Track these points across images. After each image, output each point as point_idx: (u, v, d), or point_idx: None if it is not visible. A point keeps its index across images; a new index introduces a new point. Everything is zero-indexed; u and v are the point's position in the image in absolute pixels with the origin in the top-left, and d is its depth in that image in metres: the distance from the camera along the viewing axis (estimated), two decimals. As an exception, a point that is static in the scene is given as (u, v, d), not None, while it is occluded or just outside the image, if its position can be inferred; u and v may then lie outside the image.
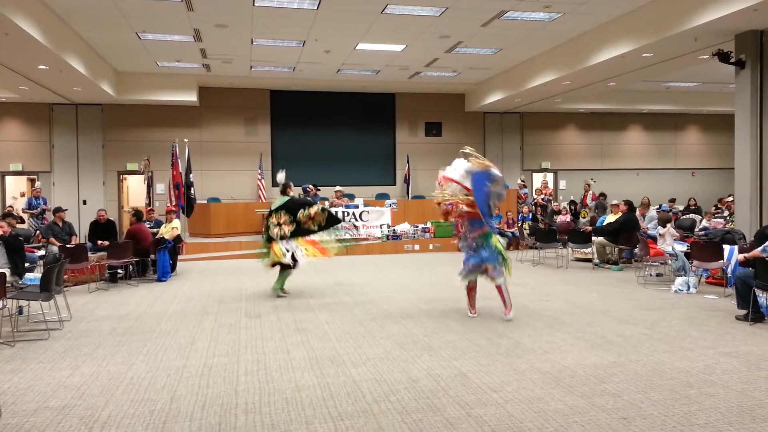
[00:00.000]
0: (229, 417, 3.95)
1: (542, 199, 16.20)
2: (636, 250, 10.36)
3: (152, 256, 10.09)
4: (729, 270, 8.18)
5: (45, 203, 12.94)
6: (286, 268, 8.32)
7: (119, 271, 9.72)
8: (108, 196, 16.87)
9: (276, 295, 8.31)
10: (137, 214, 10.25)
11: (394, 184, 18.65)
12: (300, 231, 8.17)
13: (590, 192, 15.99)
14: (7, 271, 6.97)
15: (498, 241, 6.63)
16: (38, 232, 11.31)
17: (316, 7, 10.42)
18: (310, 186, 14.39)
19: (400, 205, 15.11)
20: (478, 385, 4.50)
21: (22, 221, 12.04)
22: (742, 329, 6.17)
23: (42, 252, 9.67)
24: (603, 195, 14.93)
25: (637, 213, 11.24)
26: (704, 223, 12.69)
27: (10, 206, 13.37)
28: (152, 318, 7.04)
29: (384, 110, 18.72)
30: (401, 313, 7.08)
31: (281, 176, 8.56)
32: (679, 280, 8.38)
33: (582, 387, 4.42)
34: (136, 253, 9.74)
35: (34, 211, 12.49)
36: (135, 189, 18.05)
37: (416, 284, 9.33)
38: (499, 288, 6.62)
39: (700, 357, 5.17)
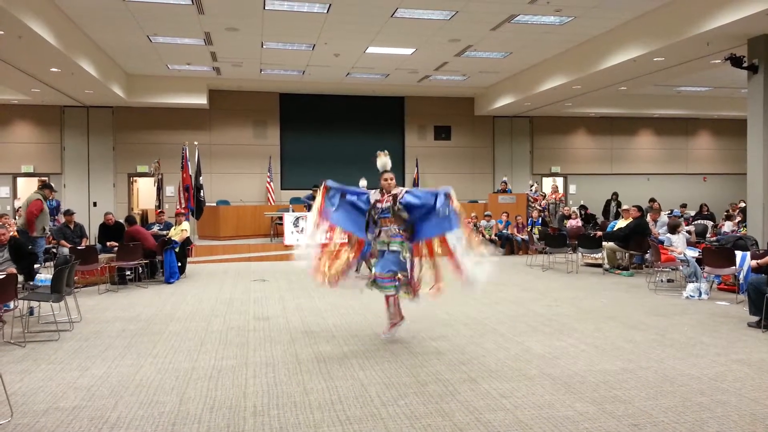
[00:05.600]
0: (237, 420, 3.95)
1: (546, 203, 16.01)
2: (647, 256, 10.29)
3: (159, 257, 10.15)
4: (741, 276, 8.10)
5: (58, 205, 12.98)
6: None
7: (128, 272, 9.77)
8: (118, 198, 16.98)
9: None
10: (129, 219, 10.40)
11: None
12: None
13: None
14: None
15: None
16: (49, 233, 11.36)
17: (326, 11, 10.45)
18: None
19: (409, 209, 15.06)
20: (488, 390, 4.47)
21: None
22: (754, 336, 6.10)
23: (47, 236, 9.79)
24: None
25: (649, 218, 11.17)
26: (727, 225, 12.62)
27: (19, 207, 13.43)
28: (161, 320, 7.06)
29: (393, 114, 18.74)
30: (408, 316, 7.05)
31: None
32: (691, 286, 8.30)
33: (592, 393, 4.39)
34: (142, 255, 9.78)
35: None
36: (145, 191, 18.15)
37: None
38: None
39: (711, 364, 5.12)
